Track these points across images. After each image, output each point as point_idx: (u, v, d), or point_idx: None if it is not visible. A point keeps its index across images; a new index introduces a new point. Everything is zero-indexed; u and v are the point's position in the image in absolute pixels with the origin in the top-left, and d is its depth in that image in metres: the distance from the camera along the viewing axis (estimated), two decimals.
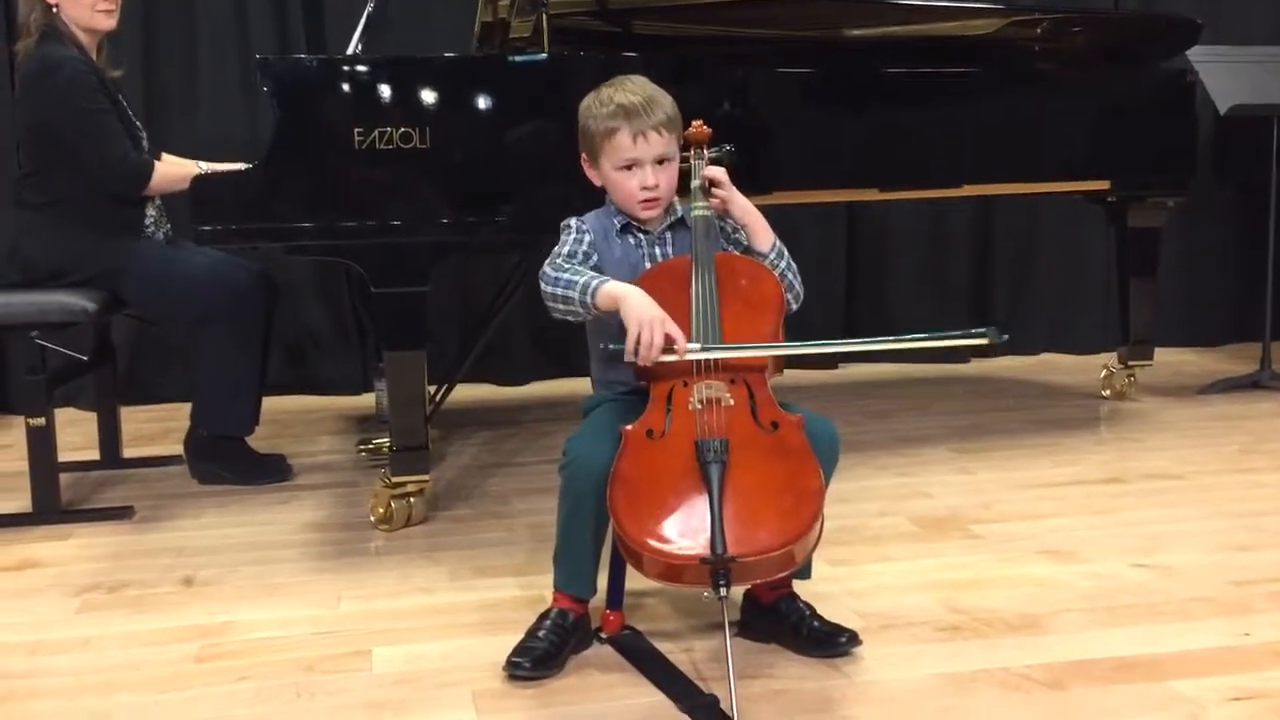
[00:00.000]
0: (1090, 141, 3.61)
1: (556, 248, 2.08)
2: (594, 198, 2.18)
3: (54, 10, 3.02)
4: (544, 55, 2.84)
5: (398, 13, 3.92)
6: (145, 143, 3.20)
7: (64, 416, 3.30)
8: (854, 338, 4.72)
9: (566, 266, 2.02)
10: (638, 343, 1.88)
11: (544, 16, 2.86)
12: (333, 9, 4.24)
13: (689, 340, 1.92)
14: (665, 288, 1.99)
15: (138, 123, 3.21)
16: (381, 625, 2.19)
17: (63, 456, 2.96)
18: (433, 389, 3.35)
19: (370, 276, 2.68)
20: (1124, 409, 3.92)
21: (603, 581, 2.05)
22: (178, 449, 3.31)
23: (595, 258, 2.07)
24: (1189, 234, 4.85)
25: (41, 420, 2.83)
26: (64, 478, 2.96)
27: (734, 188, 2.09)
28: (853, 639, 2.00)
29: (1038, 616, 2.16)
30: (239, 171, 2.70)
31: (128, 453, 3.44)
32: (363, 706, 1.86)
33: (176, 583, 2.44)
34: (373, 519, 2.77)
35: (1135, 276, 3.92)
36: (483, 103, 2.74)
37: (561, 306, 2.00)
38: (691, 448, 1.84)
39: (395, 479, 2.74)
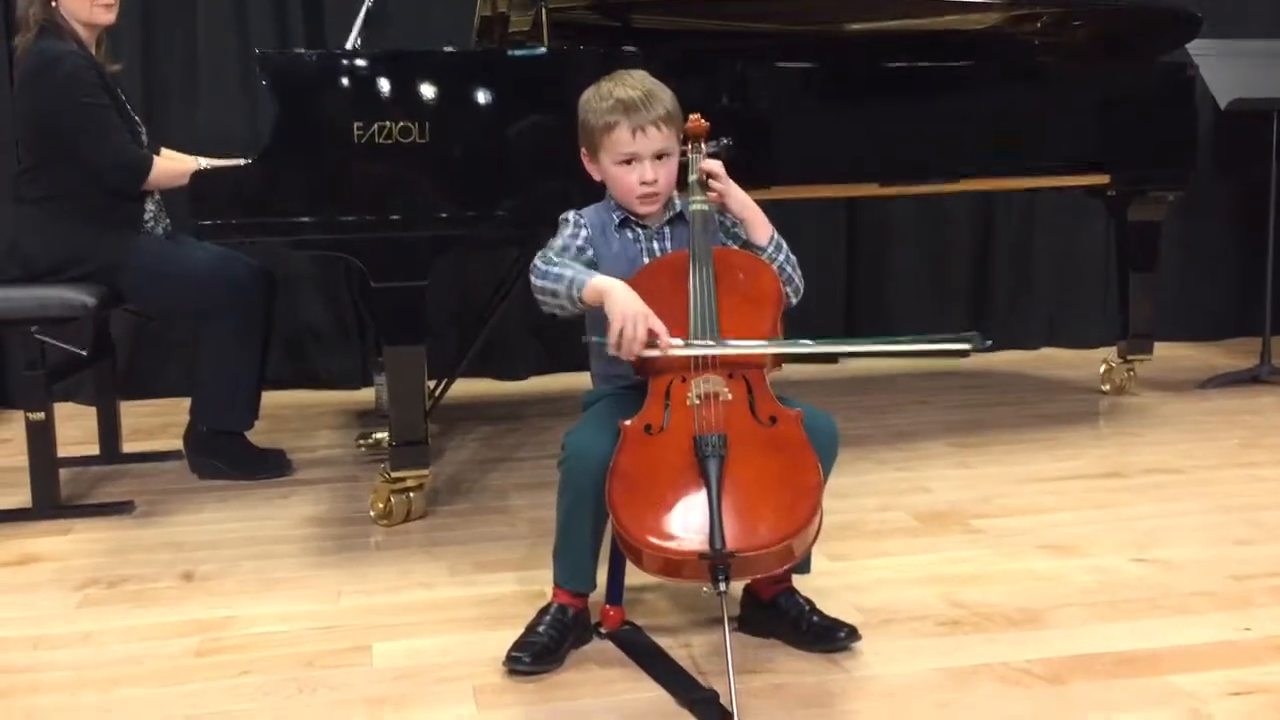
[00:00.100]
0: (1090, 135, 3.61)
1: (550, 240, 2.09)
2: (594, 192, 2.17)
3: (53, 5, 3.02)
4: (543, 49, 2.84)
5: (397, 7, 3.92)
6: (144, 137, 3.20)
7: (63, 411, 3.30)
8: (853, 333, 4.77)
9: (556, 261, 2.02)
10: (620, 336, 1.89)
11: (543, 10, 2.86)
12: (332, 4, 4.23)
13: (687, 335, 1.92)
14: (663, 283, 2.00)
15: (136, 118, 3.20)
16: (381, 620, 2.19)
17: (62, 451, 2.96)
18: (432, 384, 3.35)
19: (370, 271, 2.68)
20: (1124, 403, 3.92)
21: (602, 576, 2.06)
22: (177, 444, 3.31)
23: (590, 252, 2.07)
24: (1189, 229, 4.85)
25: (41, 415, 2.83)
26: (63, 473, 2.96)
27: (731, 181, 2.09)
28: (852, 634, 2.00)
29: (1037, 611, 2.16)
30: (238, 167, 2.70)
31: (127, 448, 3.44)
32: (363, 701, 1.86)
33: (176, 578, 2.44)
34: (372, 514, 2.77)
35: (1135, 271, 3.92)
36: (482, 97, 2.74)
37: (550, 300, 2.00)
38: (690, 443, 1.83)
39: (395, 474, 2.74)
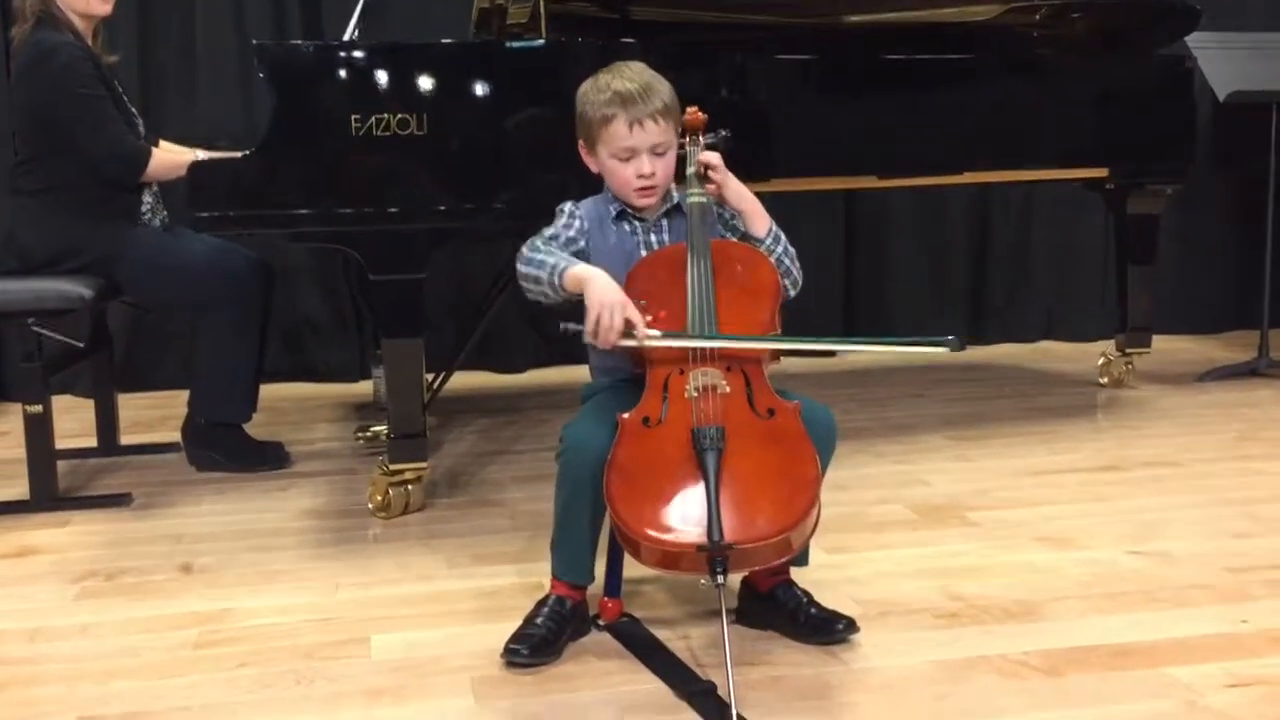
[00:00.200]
0: (1089, 128, 3.60)
1: (542, 229, 2.08)
2: (592, 184, 2.17)
3: None
4: (541, 41, 2.83)
5: None
6: (141, 129, 3.19)
7: (61, 404, 3.29)
8: (851, 327, 4.77)
9: (542, 248, 2.02)
10: (597, 325, 1.89)
11: (541, 2, 2.85)
12: None
13: (685, 328, 1.92)
14: (661, 275, 1.99)
15: (134, 109, 3.20)
16: (380, 612, 2.19)
17: (60, 444, 2.96)
18: (430, 376, 3.35)
19: (368, 263, 2.67)
20: (1121, 396, 3.92)
21: (600, 568, 2.06)
22: (175, 436, 3.31)
23: (582, 243, 2.07)
24: (1187, 222, 4.85)
25: (38, 407, 2.82)
26: (61, 465, 2.96)
27: (729, 173, 2.09)
28: (850, 626, 2.00)
29: (1035, 603, 2.16)
30: (236, 158, 2.69)
31: (125, 440, 3.44)
32: (361, 693, 1.86)
33: (175, 569, 2.45)
34: (370, 506, 2.77)
35: (1133, 264, 3.92)
36: (480, 89, 2.73)
37: (533, 287, 2.00)
38: (688, 435, 1.83)
39: (393, 466, 2.74)
